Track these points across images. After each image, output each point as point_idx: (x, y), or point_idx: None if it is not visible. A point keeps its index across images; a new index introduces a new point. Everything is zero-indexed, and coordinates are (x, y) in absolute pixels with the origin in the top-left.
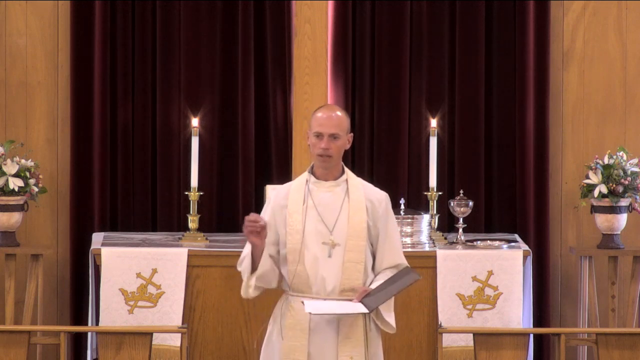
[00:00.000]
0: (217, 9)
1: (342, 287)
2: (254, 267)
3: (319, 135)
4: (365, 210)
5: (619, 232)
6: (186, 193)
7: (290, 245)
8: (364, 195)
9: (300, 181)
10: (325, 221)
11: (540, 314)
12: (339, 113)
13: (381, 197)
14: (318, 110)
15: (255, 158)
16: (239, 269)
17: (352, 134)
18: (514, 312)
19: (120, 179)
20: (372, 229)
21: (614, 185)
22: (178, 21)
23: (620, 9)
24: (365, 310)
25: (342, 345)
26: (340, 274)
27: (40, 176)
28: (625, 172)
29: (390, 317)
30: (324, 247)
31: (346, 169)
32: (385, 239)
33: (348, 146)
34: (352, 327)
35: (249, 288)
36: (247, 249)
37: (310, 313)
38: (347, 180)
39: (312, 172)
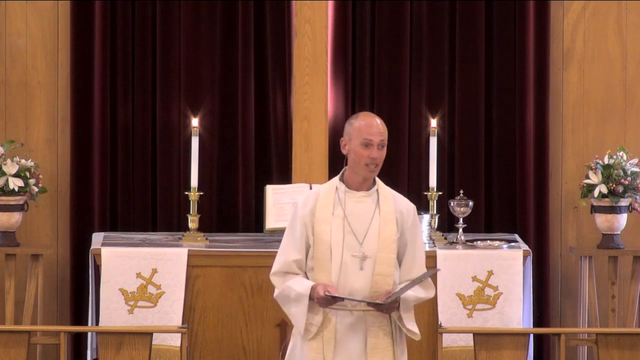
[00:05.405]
0: (217, 9)
1: (370, 300)
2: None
3: (367, 145)
4: (395, 222)
5: (619, 232)
6: (186, 193)
7: (317, 255)
8: (393, 207)
9: (329, 188)
10: (355, 232)
11: (540, 314)
12: (379, 121)
13: (410, 208)
14: (358, 119)
15: (255, 158)
16: (288, 304)
17: None
18: (514, 312)
19: (120, 179)
20: (399, 239)
21: (614, 185)
22: (178, 21)
23: (620, 9)
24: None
25: (371, 356)
26: (369, 286)
27: (40, 176)
28: (625, 172)
29: (412, 325)
30: (354, 259)
31: (377, 179)
32: (413, 251)
33: None
34: (378, 338)
35: (312, 327)
36: (297, 285)
37: (330, 296)
38: (377, 190)
39: (342, 180)
